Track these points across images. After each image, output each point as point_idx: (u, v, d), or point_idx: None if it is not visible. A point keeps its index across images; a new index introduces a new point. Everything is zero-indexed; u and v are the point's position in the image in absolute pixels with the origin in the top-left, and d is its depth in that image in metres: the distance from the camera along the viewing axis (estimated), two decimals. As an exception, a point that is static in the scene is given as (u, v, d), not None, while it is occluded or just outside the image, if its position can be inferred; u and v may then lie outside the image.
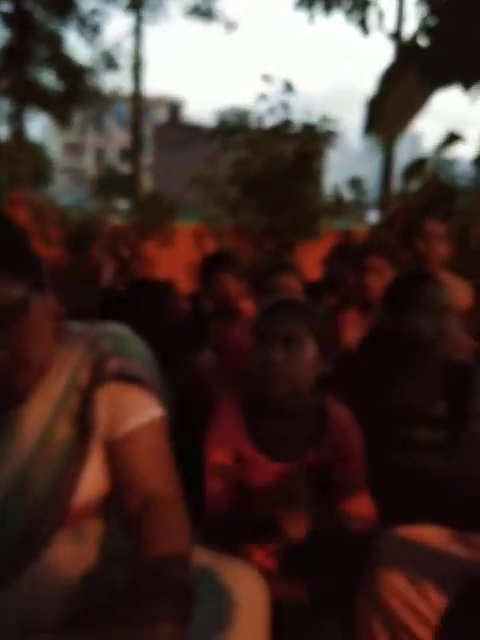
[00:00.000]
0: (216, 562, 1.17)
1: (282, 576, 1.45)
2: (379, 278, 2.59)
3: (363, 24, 8.01)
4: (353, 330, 2.66)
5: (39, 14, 9.19)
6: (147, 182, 11.54)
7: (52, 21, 9.28)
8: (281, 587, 1.40)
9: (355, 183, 6.44)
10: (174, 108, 21.54)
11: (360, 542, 1.42)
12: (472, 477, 1.64)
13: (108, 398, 1.00)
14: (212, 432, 1.55)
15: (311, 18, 7.99)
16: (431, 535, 1.32)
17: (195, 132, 10.44)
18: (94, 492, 1.02)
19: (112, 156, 24.27)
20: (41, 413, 0.99)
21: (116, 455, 1.02)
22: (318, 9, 7.92)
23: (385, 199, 7.48)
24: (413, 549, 1.28)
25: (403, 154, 8.67)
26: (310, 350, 1.46)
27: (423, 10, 6.86)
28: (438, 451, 1.69)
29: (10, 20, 9.13)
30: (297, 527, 1.39)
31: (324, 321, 1.60)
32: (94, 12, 9.60)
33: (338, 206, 6.22)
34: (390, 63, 5.41)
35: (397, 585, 1.21)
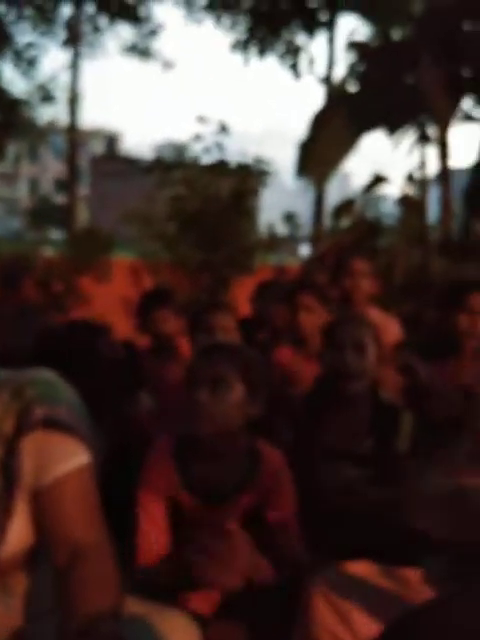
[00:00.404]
0: (150, 612, 1.15)
1: (219, 622, 1.44)
2: (310, 315, 2.66)
3: (295, 68, 8.36)
4: (288, 366, 2.72)
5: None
6: (82, 213, 11.46)
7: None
8: (218, 634, 1.40)
9: (289, 218, 6.66)
10: (111, 140, 21.63)
11: (293, 581, 1.43)
12: (398, 514, 1.68)
13: (33, 446, 1.00)
14: (144, 476, 1.54)
15: (246, 61, 8.28)
16: (360, 571, 1.36)
17: (132, 165, 10.49)
18: (20, 544, 1.00)
19: (47, 186, 24.01)
20: None
21: (42, 504, 1.00)
22: (252, 52, 8.22)
23: (316, 234, 7.73)
24: (343, 585, 1.31)
25: (333, 192, 9.02)
26: (237, 392, 1.49)
27: (352, 57, 7.18)
28: (366, 489, 1.73)
29: None
30: (231, 575, 1.39)
31: (258, 361, 1.63)
32: (30, 45, 9.59)
33: (272, 242, 6.38)
34: (320, 107, 5.70)
35: (328, 621, 1.24)
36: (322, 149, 5.68)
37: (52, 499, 1.00)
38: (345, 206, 6.07)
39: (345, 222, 6.07)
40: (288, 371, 2.70)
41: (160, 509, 1.52)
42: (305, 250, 7.34)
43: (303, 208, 8.18)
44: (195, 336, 2.41)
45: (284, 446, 1.74)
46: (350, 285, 3.02)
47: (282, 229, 6.73)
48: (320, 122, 6.03)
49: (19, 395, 1.02)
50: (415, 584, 1.34)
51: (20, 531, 0.99)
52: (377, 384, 1.90)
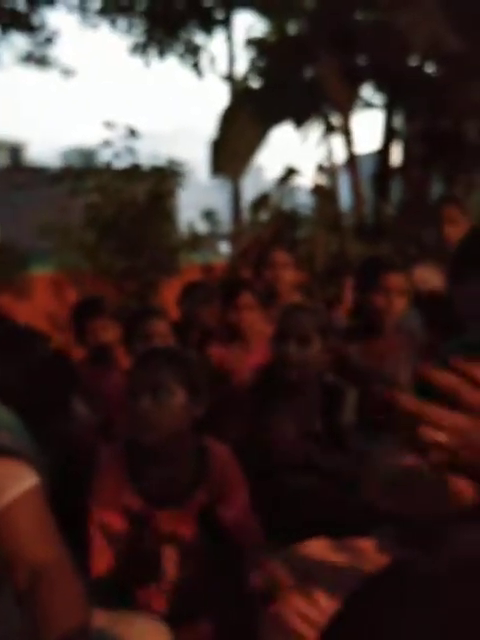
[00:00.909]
0: (117, 621, 1.16)
1: (187, 621, 1.45)
2: (250, 313, 2.73)
3: (196, 67, 8.39)
4: (225, 364, 2.76)
5: None
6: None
7: None
8: (186, 632, 1.41)
9: (208, 215, 6.69)
10: (15, 151, 20.87)
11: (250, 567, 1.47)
12: (350, 486, 1.73)
13: None
14: (94, 488, 1.54)
15: (146, 63, 8.22)
16: (316, 549, 1.42)
17: (38, 174, 10.20)
18: None
19: None
20: None
21: None
22: (152, 54, 8.17)
23: (237, 230, 7.81)
24: (300, 563, 1.36)
25: (249, 186, 9.13)
26: (179, 396, 1.51)
27: (251, 53, 7.29)
28: (316, 469, 1.80)
29: None
30: (182, 568, 1.42)
31: (195, 363, 1.65)
32: None
33: (194, 241, 6.40)
34: (227, 105, 5.77)
35: (296, 604, 1.27)
36: (233, 146, 5.75)
37: (6, 525, 1.01)
38: (261, 200, 6.18)
39: (263, 216, 6.17)
40: (225, 369, 2.75)
41: (113, 519, 1.52)
42: (226, 247, 7.39)
43: (221, 204, 8.23)
44: (131, 344, 2.41)
45: (233, 441, 1.78)
46: (272, 277, 3.11)
47: (203, 227, 6.76)
48: (228, 119, 6.10)
49: None
50: (370, 554, 1.40)
51: None
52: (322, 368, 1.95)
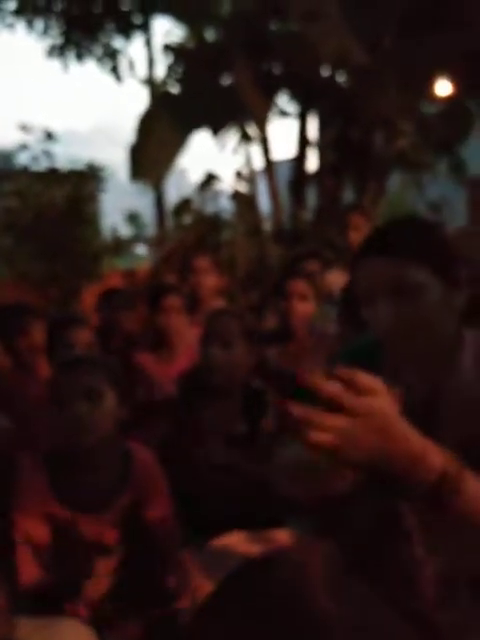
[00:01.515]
0: (42, 626, 1.17)
1: (110, 623, 1.48)
2: (176, 316, 2.78)
3: (115, 71, 8.33)
4: (150, 369, 2.81)
5: None
6: None
7: None
8: (114, 635, 1.45)
9: (132, 218, 6.67)
10: None
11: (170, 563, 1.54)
12: (266, 484, 1.82)
13: None
14: (16, 498, 1.54)
15: (65, 67, 8.09)
16: (230, 542, 1.50)
17: None
18: None
19: None
20: None
21: None
22: (70, 57, 8.05)
23: (160, 234, 7.82)
24: (215, 560, 1.43)
25: (172, 190, 9.12)
26: (110, 400, 1.56)
27: (169, 58, 7.32)
28: (241, 467, 1.87)
29: None
30: (108, 572, 1.46)
31: (119, 368, 1.71)
32: None
33: (117, 245, 6.38)
34: (145, 110, 5.79)
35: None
36: (152, 151, 5.77)
37: None
38: (183, 205, 6.24)
39: (186, 220, 6.24)
40: (151, 374, 2.80)
41: (37, 527, 1.53)
42: (144, 250, 7.37)
43: (144, 207, 8.20)
44: (53, 352, 2.40)
45: (158, 444, 1.84)
46: (195, 282, 3.20)
47: (126, 231, 6.74)
48: (147, 124, 6.11)
49: None
50: (284, 544, 1.48)
51: None
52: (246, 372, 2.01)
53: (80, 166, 6.03)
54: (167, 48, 6.94)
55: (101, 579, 1.54)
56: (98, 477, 1.58)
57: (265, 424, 1.93)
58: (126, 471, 1.60)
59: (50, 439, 1.63)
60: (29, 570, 1.50)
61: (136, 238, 6.73)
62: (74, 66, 8.23)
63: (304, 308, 2.41)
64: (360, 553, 0.85)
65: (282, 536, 1.53)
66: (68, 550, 1.54)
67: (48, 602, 1.45)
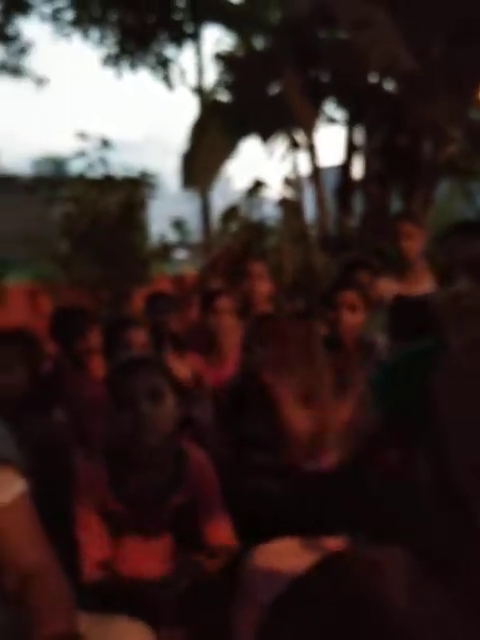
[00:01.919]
0: (98, 623, 1.19)
1: (163, 622, 1.48)
2: (226, 318, 2.87)
3: (167, 80, 8.53)
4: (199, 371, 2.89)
5: None
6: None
7: None
8: (166, 635, 1.45)
9: (178, 225, 6.82)
10: (-15, 159, 20.58)
11: (227, 570, 1.56)
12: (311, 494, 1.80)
13: None
14: (78, 496, 1.59)
15: (118, 75, 8.33)
16: (285, 547, 1.50)
17: (8, 182, 10.15)
18: None
19: None
20: None
21: None
22: (124, 66, 8.28)
23: (206, 241, 7.95)
24: (272, 561, 1.43)
25: (218, 197, 9.23)
26: (171, 400, 1.61)
27: (219, 67, 7.48)
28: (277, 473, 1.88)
29: None
30: (162, 571, 1.49)
31: (173, 370, 1.78)
32: None
33: (164, 251, 6.54)
34: (196, 118, 5.99)
35: (261, 596, 1.33)
36: (203, 158, 5.90)
37: None
38: (230, 211, 6.35)
39: (233, 227, 6.34)
40: (200, 377, 2.89)
41: (95, 523, 1.58)
42: (193, 256, 7.48)
43: (190, 214, 8.34)
44: (110, 353, 2.45)
45: (207, 445, 1.88)
46: (248, 288, 3.27)
47: (173, 237, 6.88)
48: (197, 132, 6.26)
49: None
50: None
51: None
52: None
53: (133, 174, 6.21)
54: (217, 57, 7.07)
55: (155, 576, 1.58)
56: (154, 475, 1.61)
57: None
58: (180, 470, 1.63)
59: (109, 437, 1.68)
60: (90, 565, 1.56)
61: (181, 244, 6.86)
62: (127, 75, 8.43)
63: (354, 319, 2.45)
64: (436, 557, 0.86)
65: (333, 543, 1.53)
66: (127, 546, 1.59)
67: (105, 598, 1.48)
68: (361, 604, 0.59)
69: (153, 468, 1.61)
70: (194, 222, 8.31)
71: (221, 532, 1.64)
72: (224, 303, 2.92)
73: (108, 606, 1.35)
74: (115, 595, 1.51)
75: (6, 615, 1.10)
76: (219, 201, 8.23)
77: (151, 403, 1.56)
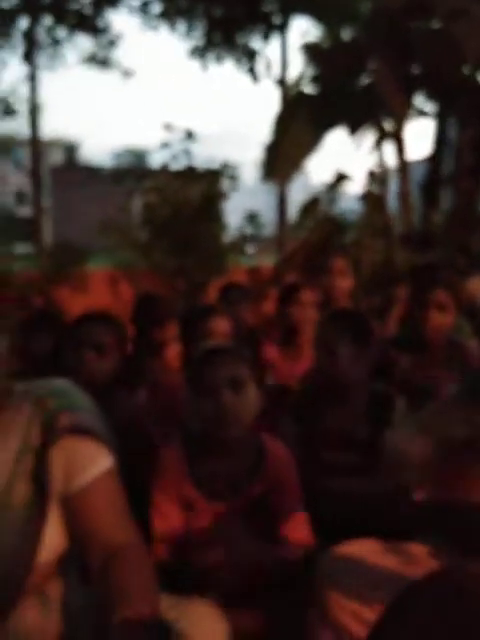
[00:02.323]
0: (175, 604, 1.17)
1: (238, 609, 1.46)
2: (305, 310, 2.81)
3: (252, 72, 8.52)
4: (276, 362, 2.85)
5: None
6: (46, 225, 11.38)
7: None
8: (237, 621, 1.41)
9: (252, 218, 6.80)
10: (70, 150, 21.42)
11: (302, 564, 1.52)
12: (390, 494, 1.78)
13: (61, 454, 1.01)
14: (157, 478, 1.59)
15: (204, 67, 8.40)
16: (366, 549, 1.42)
17: (92, 173, 10.50)
18: (55, 550, 1.02)
19: (7, 199, 23.66)
20: None
21: (73, 510, 1.02)
22: (210, 58, 8.35)
23: (281, 234, 7.90)
24: (352, 563, 1.37)
25: (294, 189, 9.12)
26: (252, 390, 1.57)
27: (305, 58, 7.38)
28: (361, 473, 1.82)
29: None
30: (235, 559, 1.47)
31: (254, 360, 1.75)
32: (-11, 60, 9.54)
33: (243, 243, 6.53)
34: (281, 110, 5.91)
35: (341, 598, 1.29)
36: (286, 150, 5.84)
37: (83, 504, 1.01)
38: (310, 205, 6.26)
39: (310, 220, 6.24)
40: (277, 368, 2.85)
41: (173, 509, 1.57)
42: (266, 249, 7.44)
43: (264, 207, 8.31)
44: (192, 341, 2.41)
45: (285, 437, 1.85)
46: (329, 283, 3.18)
47: (246, 230, 6.86)
48: (282, 124, 6.20)
49: (41, 406, 1.03)
50: (421, 558, 1.37)
51: (54, 538, 1.02)
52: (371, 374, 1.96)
53: (215, 165, 6.23)
54: (306, 48, 6.98)
55: (228, 565, 1.55)
56: (232, 464, 1.59)
57: (390, 428, 1.84)
58: (259, 462, 1.61)
59: (189, 424, 1.67)
60: (162, 547, 1.56)
61: (254, 237, 6.84)
62: (211, 67, 8.50)
63: (443, 319, 2.32)
64: None
65: (418, 549, 1.43)
66: (202, 534, 1.58)
67: (175, 580, 1.46)
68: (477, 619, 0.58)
69: (232, 457, 1.60)
70: (267, 215, 8.26)
71: (298, 528, 1.62)
72: (307, 296, 2.87)
73: (178, 588, 1.33)
74: (185, 578, 1.51)
75: (86, 595, 1.09)
76: (296, 194, 8.12)
77: (232, 393, 1.54)
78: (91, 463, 1.03)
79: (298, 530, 1.62)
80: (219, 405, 1.53)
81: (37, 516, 1.00)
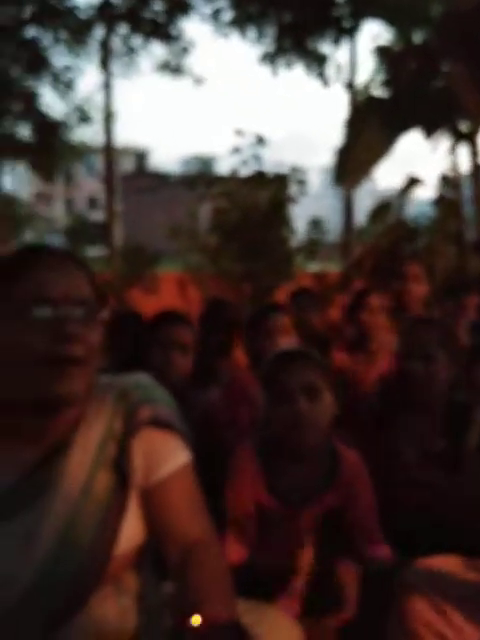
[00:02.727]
0: (249, 611, 1.13)
1: (309, 617, 1.47)
2: (376, 317, 2.77)
3: (322, 76, 8.48)
4: (348, 368, 2.81)
5: (14, 71, 9.46)
6: (117, 229, 11.75)
7: (26, 78, 9.55)
8: (311, 632, 1.41)
9: (316, 223, 6.74)
10: (141, 157, 21.98)
11: (380, 578, 1.48)
12: (470, 509, 1.68)
13: (142, 445, 1.01)
14: (232, 481, 1.57)
15: (274, 72, 8.43)
16: (447, 564, 1.39)
17: (161, 180, 10.73)
18: (132, 542, 1.01)
19: (81, 205, 24.45)
20: (82, 463, 1.00)
21: (152, 502, 1.01)
22: (281, 63, 8.36)
23: (347, 239, 7.79)
24: (434, 578, 1.34)
25: (360, 194, 8.95)
26: (328, 397, 1.54)
27: (376, 61, 7.25)
28: (439, 486, 1.76)
29: (-14, 78, 9.36)
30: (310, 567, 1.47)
31: (327, 366, 1.72)
32: (67, 68, 9.91)
33: (311, 248, 6.49)
34: (351, 114, 5.85)
35: (423, 614, 1.26)
36: (357, 155, 5.77)
37: (162, 498, 1.01)
38: (381, 209, 6.16)
39: (379, 225, 6.14)
40: (349, 374, 2.80)
41: (246, 512, 1.55)
42: (330, 255, 7.36)
43: (325, 212, 8.23)
44: (255, 340, 2.37)
45: (358, 447, 1.83)
46: (403, 289, 3.10)
47: (310, 235, 6.81)
48: (353, 128, 6.14)
49: (124, 397, 1.03)
50: None
51: (133, 529, 1.00)
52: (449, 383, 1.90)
53: (283, 170, 6.23)
54: (378, 51, 6.89)
55: (302, 573, 1.54)
56: (307, 472, 1.56)
57: (468, 441, 1.79)
58: (334, 470, 1.57)
59: (263, 429, 1.65)
60: (236, 550, 1.54)
61: (317, 242, 6.78)
62: (277, 73, 8.51)
63: None
64: None
65: None
66: (273, 540, 1.56)
67: (253, 587, 1.42)
68: None
69: (307, 464, 1.57)
70: (332, 221, 8.19)
71: (374, 540, 1.57)
72: (377, 301, 2.82)
73: (250, 594, 1.30)
74: (259, 583, 1.48)
75: (160, 593, 1.09)
76: (362, 200, 7.99)
77: (308, 400, 1.51)
78: (170, 456, 1.03)
79: (373, 541, 1.57)
80: (294, 412, 1.50)
81: (117, 506, 0.99)
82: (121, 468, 1.00)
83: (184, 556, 0.98)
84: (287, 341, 2.10)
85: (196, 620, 0.89)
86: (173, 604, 1.01)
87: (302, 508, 1.55)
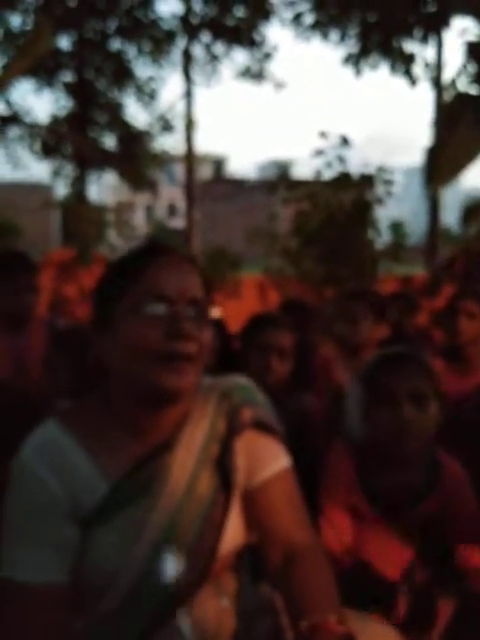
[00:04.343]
0: (351, 619, 1.08)
1: (411, 628, 1.39)
2: (473, 322, 2.62)
3: (409, 75, 8.23)
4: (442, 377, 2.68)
5: (100, 83, 9.83)
6: (195, 235, 11.96)
7: (111, 89, 9.90)
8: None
9: (396, 227, 6.55)
10: (218, 164, 22.43)
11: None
12: None
13: (244, 447, 1.02)
14: (326, 487, 1.54)
15: (358, 74, 8.27)
16: None
17: (238, 186, 10.81)
18: (235, 542, 1.01)
19: (160, 212, 25.20)
20: (186, 462, 1.00)
21: (253, 505, 1.01)
22: (365, 64, 8.20)
23: (433, 241, 7.49)
24: None
25: (444, 194, 8.58)
26: (434, 405, 1.47)
27: (466, 57, 6.96)
28: None
29: (73, 90, 9.79)
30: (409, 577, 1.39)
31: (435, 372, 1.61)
32: (150, 79, 10.18)
33: (396, 250, 6.31)
34: (441, 112, 5.59)
35: None
36: (451, 154, 5.53)
37: (264, 500, 1.01)
38: (474, 210, 5.89)
39: (473, 227, 5.88)
40: (444, 382, 2.66)
41: (343, 519, 1.52)
42: (413, 257, 7.13)
43: (407, 214, 7.96)
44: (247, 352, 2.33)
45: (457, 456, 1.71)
46: None
47: (390, 237, 6.65)
48: (444, 126, 5.90)
49: (226, 398, 1.04)
50: None
51: (235, 530, 1.00)
52: None
53: (368, 171, 6.08)
54: (469, 46, 6.61)
55: (401, 583, 1.47)
56: (407, 480, 1.51)
57: None
58: (435, 478, 1.51)
59: (364, 433, 1.56)
60: (334, 557, 1.47)
61: (398, 245, 6.60)
62: (361, 74, 8.33)
63: None
64: None
65: None
66: (369, 546, 1.50)
67: (353, 595, 1.45)
68: None
69: (407, 471, 1.51)
70: (417, 222, 7.92)
71: (476, 553, 1.49)
72: (471, 306, 2.66)
73: (350, 602, 1.29)
74: (359, 592, 1.41)
75: (258, 598, 1.07)
76: (445, 198, 7.63)
77: (413, 407, 1.44)
78: (272, 459, 1.03)
79: (474, 554, 1.48)
80: (399, 419, 1.44)
81: (221, 505, 0.99)
82: (224, 468, 1.00)
83: (287, 560, 0.98)
84: (282, 366, 1.94)
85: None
86: (271, 608, 1.01)
87: (399, 516, 1.49)
